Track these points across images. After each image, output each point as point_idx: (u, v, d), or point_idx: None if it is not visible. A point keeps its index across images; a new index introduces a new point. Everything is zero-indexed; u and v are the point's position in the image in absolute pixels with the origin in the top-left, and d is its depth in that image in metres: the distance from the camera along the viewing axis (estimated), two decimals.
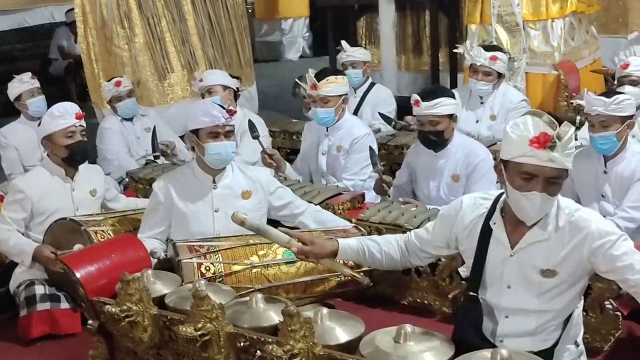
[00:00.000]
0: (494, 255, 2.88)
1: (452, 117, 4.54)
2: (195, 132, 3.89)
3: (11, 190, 4.60)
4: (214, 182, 3.97)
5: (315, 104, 5.16)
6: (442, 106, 4.46)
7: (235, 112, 4.00)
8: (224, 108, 3.94)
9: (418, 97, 4.51)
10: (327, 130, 5.25)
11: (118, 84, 6.35)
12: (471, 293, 2.92)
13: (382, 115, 6.34)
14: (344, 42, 6.81)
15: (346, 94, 5.23)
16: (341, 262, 3.29)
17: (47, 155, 4.66)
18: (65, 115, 4.53)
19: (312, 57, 13.78)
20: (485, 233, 2.89)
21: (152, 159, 5.97)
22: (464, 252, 3.05)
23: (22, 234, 4.50)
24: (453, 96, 4.58)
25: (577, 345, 2.99)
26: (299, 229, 4.13)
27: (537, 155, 2.61)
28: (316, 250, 3.15)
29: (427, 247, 3.16)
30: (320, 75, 5.15)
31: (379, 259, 3.19)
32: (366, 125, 5.47)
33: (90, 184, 4.71)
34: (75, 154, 4.57)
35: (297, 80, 6.53)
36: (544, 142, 2.59)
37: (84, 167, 4.72)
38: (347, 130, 5.19)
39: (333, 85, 5.08)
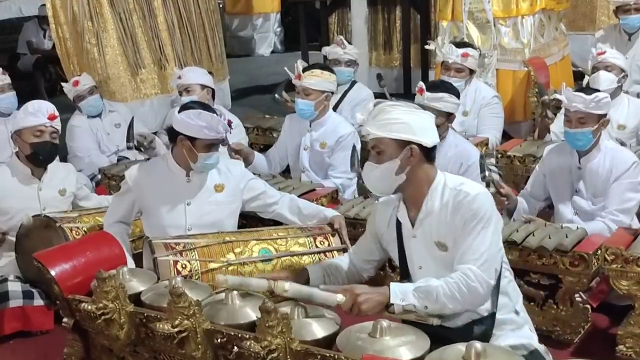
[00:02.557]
0: (406, 241, 3.05)
1: (450, 116, 4.57)
2: (192, 139, 3.84)
3: None
4: (187, 175, 3.96)
5: (298, 95, 5.19)
6: (444, 102, 4.50)
7: (232, 122, 3.98)
8: (219, 114, 3.90)
9: (423, 86, 4.54)
10: (310, 126, 5.26)
11: (76, 83, 6.33)
12: (403, 281, 3.05)
13: None
14: (341, 37, 6.78)
15: (330, 92, 5.24)
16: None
17: (16, 153, 4.63)
18: (37, 113, 4.51)
19: (284, 53, 13.81)
20: (398, 225, 3.06)
21: (126, 148, 5.91)
22: (386, 247, 3.20)
23: None
24: (458, 96, 4.61)
25: (517, 313, 3.03)
26: (276, 221, 4.16)
27: (362, 131, 2.96)
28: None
29: (368, 256, 3.29)
30: (308, 68, 5.20)
31: (344, 278, 3.28)
32: (350, 124, 5.49)
33: (59, 184, 4.69)
34: (38, 153, 4.53)
35: (276, 95, 6.56)
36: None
37: (54, 166, 4.70)
38: (331, 127, 5.21)
39: (316, 79, 5.11)
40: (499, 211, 4.29)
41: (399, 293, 2.75)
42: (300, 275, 3.24)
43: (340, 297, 2.85)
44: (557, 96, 4.47)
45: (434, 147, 2.96)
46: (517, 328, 2.99)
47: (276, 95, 6.58)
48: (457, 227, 2.87)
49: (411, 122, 2.89)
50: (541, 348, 2.96)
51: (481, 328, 2.89)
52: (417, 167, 2.92)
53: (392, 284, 2.79)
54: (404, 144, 2.89)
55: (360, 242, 3.33)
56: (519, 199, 4.47)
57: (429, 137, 2.92)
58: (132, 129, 5.76)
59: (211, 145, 3.86)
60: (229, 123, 3.92)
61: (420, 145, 2.90)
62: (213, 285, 3.29)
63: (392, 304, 2.74)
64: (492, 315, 2.92)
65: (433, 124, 2.97)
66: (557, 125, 5.39)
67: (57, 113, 4.58)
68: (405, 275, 3.09)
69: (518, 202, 4.44)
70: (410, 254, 3.05)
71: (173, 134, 3.88)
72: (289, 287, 2.92)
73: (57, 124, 4.58)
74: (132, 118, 5.99)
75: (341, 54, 6.52)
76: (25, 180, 4.57)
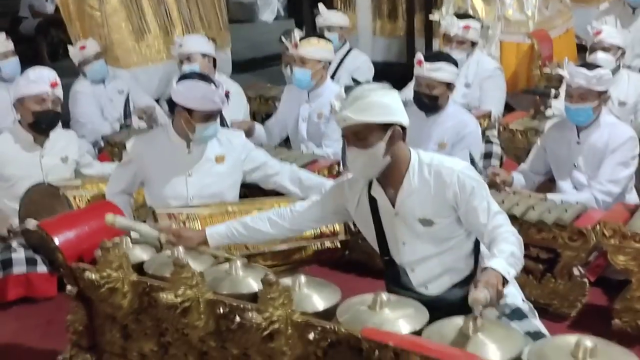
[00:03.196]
0: (385, 219, 3.07)
1: (449, 85, 4.59)
2: (189, 110, 3.86)
3: None
4: (188, 147, 3.99)
5: (294, 63, 5.18)
6: (442, 72, 4.51)
7: (229, 92, 3.98)
8: (216, 85, 3.90)
9: (422, 58, 4.55)
10: (307, 96, 5.26)
11: (83, 47, 6.33)
12: (385, 258, 3.13)
13: (355, 82, 6.34)
14: (321, 5, 6.78)
15: (328, 62, 5.23)
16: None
17: (18, 120, 4.64)
18: (39, 81, 4.51)
19: (287, 19, 13.68)
20: (372, 203, 3.08)
21: (125, 125, 5.93)
22: (358, 223, 3.24)
23: None
24: (456, 65, 4.63)
25: None
26: (278, 193, 4.21)
27: (337, 119, 2.93)
28: (184, 242, 3.25)
29: (316, 218, 3.30)
30: (305, 37, 5.19)
31: (248, 236, 3.34)
32: None
33: (61, 151, 4.70)
34: (41, 121, 4.55)
35: (283, 35, 6.53)
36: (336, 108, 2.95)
37: (56, 134, 4.71)
38: (328, 97, 5.19)
39: (313, 48, 5.11)
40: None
41: (505, 269, 2.70)
42: (199, 233, 3.33)
43: (159, 233, 3.28)
44: (560, 71, 4.47)
45: (406, 127, 2.99)
46: None
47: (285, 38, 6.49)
48: (450, 202, 2.93)
49: (391, 102, 2.90)
50: (524, 306, 3.01)
51: (462, 290, 2.93)
52: (397, 147, 2.95)
53: (491, 264, 2.70)
54: (387, 126, 2.89)
55: (317, 205, 3.27)
56: (515, 177, 4.50)
57: (404, 117, 2.95)
58: (128, 105, 5.75)
59: (208, 116, 3.87)
60: (226, 94, 3.91)
61: (401, 125, 2.92)
62: (214, 254, 3.34)
63: (507, 281, 2.70)
64: (472, 276, 2.99)
65: (401, 102, 2.99)
66: (559, 101, 5.39)
67: (58, 80, 4.58)
68: (384, 252, 3.13)
69: (514, 180, 4.47)
70: (392, 231, 3.07)
71: (172, 105, 3.91)
72: (116, 219, 3.29)
73: (59, 91, 4.58)
74: (128, 94, 5.95)
75: (321, 21, 6.55)
76: (27, 147, 4.59)
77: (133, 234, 3.43)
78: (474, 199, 2.90)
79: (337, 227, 3.77)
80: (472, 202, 2.90)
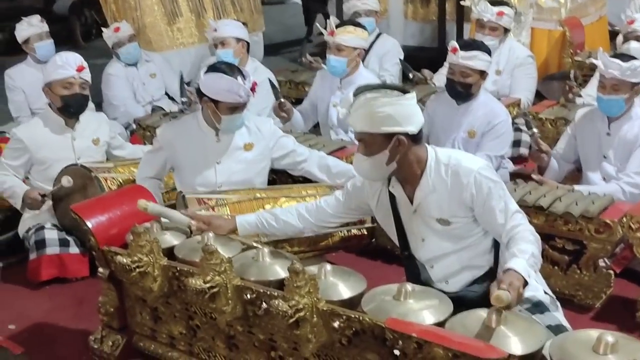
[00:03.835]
0: (404, 216, 3.11)
1: (483, 74, 4.58)
2: (215, 102, 3.89)
3: (12, 137, 4.68)
4: (217, 135, 4.03)
5: (330, 51, 5.19)
6: (477, 60, 4.50)
7: (256, 85, 3.98)
8: (244, 77, 3.91)
9: (456, 45, 4.54)
10: (340, 83, 5.27)
11: (117, 29, 6.40)
12: (404, 253, 3.16)
13: (402, 62, 6.31)
14: None
15: (362, 49, 5.23)
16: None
17: (48, 104, 4.70)
18: (65, 65, 4.54)
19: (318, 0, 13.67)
20: (391, 199, 3.11)
21: (180, 103, 5.90)
22: (379, 219, 3.29)
23: (22, 180, 4.62)
24: (490, 53, 4.61)
25: None
26: (306, 178, 4.25)
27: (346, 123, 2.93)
28: (214, 230, 3.35)
29: (340, 213, 3.37)
30: (341, 25, 5.20)
31: (278, 228, 3.41)
32: (378, 78, 5.46)
33: (92, 133, 4.75)
34: (69, 105, 4.59)
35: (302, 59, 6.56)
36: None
37: (87, 116, 4.75)
38: (360, 84, 5.20)
39: (350, 36, 5.12)
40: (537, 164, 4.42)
41: (526, 271, 2.70)
42: (229, 221, 3.42)
43: (189, 221, 3.37)
44: (593, 60, 4.44)
45: (421, 130, 2.98)
46: None
47: (303, 59, 6.58)
48: (467, 203, 2.95)
49: (394, 112, 2.88)
50: (546, 299, 3.03)
51: (483, 286, 2.98)
52: (407, 153, 2.95)
53: (513, 265, 2.70)
54: (390, 135, 2.90)
55: (340, 200, 3.35)
56: (552, 159, 4.50)
57: (413, 124, 2.92)
58: (183, 83, 5.74)
59: (234, 108, 3.91)
60: (253, 86, 3.92)
61: (406, 134, 2.92)
62: (242, 241, 3.40)
63: (527, 282, 2.70)
64: (492, 272, 3.03)
65: (416, 106, 2.97)
66: (590, 88, 5.36)
67: (85, 64, 4.61)
68: (405, 247, 3.16)
69: (551, 163, 4.47)
70: (411, 228, 3.11)
71: (200, 94, 3.95)
72: (148, 205, 3.37)
73: (85, 74, 4.61)
74: (181, 73, 5.98)
75: (359, 5, 6.51)
76: (59, 130, 4.64)
77: (163, 220, 3.50)
78: (491, 199, 2.91)
79: None
80: (489, 203, 2.91)
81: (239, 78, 3.85)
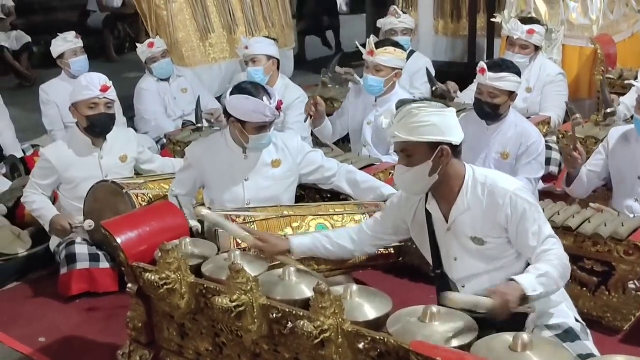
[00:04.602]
0: (439, 234, 3.11)
1: (511, 94, 4.56)
2: (241, 122, 3.92)
3: (40, 157, 4.73)
4: (244, 152, 4.06)
5: (368, 70, 5.19)
6: (506, 81, 4.48)
7: (282, 103, 4.01)
8: (270, 96, 3.93)
9: (485, 66, 4.53)
10: (375, 101, 5.26)
11: (151, 45, 6.46)
12: (437, 271, 3.16)
13: (428, 73, 6.31)
14: (395, 7, 6.73)
15: (400, 69, 5.23)
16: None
17: (76, 123, 4.73)
18: (90, 86, 4.56)
19: (349, 15, 13.73)
20: (428, 217, 3.12)
21: (195, 122, 5.95)
22: (414, 236, 3.29)
23: (50, 198, 4.69)
24: (519, 74, 4.59)
25: None
26: (336, 192, 4.28)
27: (387, 134, 3.01)
28: (268, 248, 3.38)
29: (379, 235, 3.39)
30: (380, 44, 5.20)
31: (333, 252, 3.44)
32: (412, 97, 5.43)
33: (120, 150, 4.76)
34: (95, 126, 4.60)
35: (327, 74, 6.54)
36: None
37: (115, 133, 4.75)
38: None
39: (389, 56, 5.10)
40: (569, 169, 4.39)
41: (529, 285, 2.74)
42: (284, 242, 3.42)
43: (247, 235, 3.35)
44: (633, 82, 4.40)
45: (461, 143, 3.00)
46: (553, 306, 3.05)
47: (325, 76, 6.53)
48: (502, 224, 2.95)
49: (439, 122, 2.91)
50: (577, 327, 3.01)
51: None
52: (448, 166, 2.97)
53: (518, 279, 2.76)
54: (434, 145, 2.92)
55: (378, 221, 3.39)
56: (582, 172, 4.46)
57: (456, 135, 2.96)
58: (200, 108, 5.80)
59: (261, 128, 3.93)
60: (279, 105, 3.94)
61: (450, 144, 2.94)
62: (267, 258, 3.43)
63: (528, 297, 2.74)
64: (524, 296, 2.96)
65: (457, 120, 3.00)
66: (629, 99, 5.30)
67: (109, 84, 4.62)
68: (437, 265, 3.16)
69: (581, 173, 4.44)
70: (444, 246, 3.12)
71: (227, 114, 3.98)
72: (206, 213, 3.42)
73: (110, 94, 4.61)
74: (199, 97, 6.03)
75: (396, 23, 6.49)
76: (86, 149, 4.66)
77: (194, 226, 3.54)
78: (525, 221, 2.91)
79: None
80: (523, 225, 2.91)
81: (265, 98, 3.88)
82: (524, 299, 2.73)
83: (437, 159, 2.94)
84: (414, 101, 3.00)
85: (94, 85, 4.56)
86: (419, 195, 3.13)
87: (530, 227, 2.91)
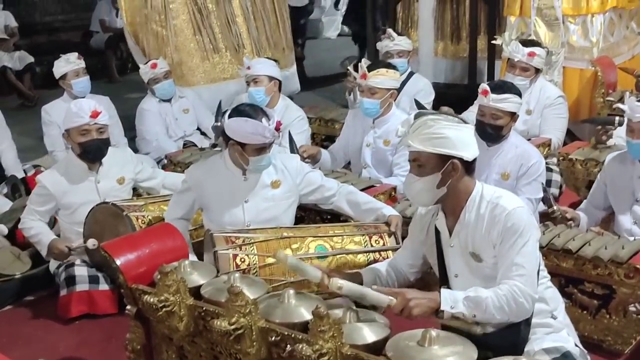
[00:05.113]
0: (445, 249, 3.13)
1: (513, 115, 4.58)
2: (241, 144, 3.92)
3: (38, 183, 4.70)
4: (244, 174, 4.06)
5: (363, 93, 5.22)
6: (508, 102, 4.50)
7: (281, 124, 4.01)
8: (268, 118, 3.92)
9: (487, 88, 4.56)
10: (373, 123, 5.28)
11: (154, 66, 6.49)
12: (444, 287, 3.12)
13: (417, 103, 6.35)
14: (390, 30, 6.78)
15: (395, 89, 5.26)
16: None
17: (71, 148, 4.72)
18: (80, 112, 4.53)
19: (350, 36, 13.78)
20: (437, 232, 3.14)
21: (211, 127, 5.88)
22: (427, 254, 3.29)
23: (47, 223, 4.68)
24: (520, 95, 4.62)
25: (554, 318, 3.10)
26: (336, 214, 4.29)
27: (402, 142, 3.05)
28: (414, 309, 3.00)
29: (413, 260, 3.39)
30: (372, 67, 5.22)
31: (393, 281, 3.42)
32: None
33: (117, 173, 4.74)
34: (87, 152, 4.59)
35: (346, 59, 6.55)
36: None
37: (110, 156, 4.72)
38: (395, 124, 5.13)
39: (382, 78, 5.14)
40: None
41: (450, 300, 2.83)
42: (355, 276, 3.34)
43: (391, 300, 2.91)
44: (620, 106, 4.43)
45: (474, 160, 3.02)
46: (554, 332, 3.06)
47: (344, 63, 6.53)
48: (494, 241, 2.94)
49: (452, 136, 2.94)
50: (576, 351, 3.00)
51: (511, 331, 2.93)
52: (457, 181, 3.00)
53: (443, 290, 2.88)
54: (446, 158, 2.95)
55: (406, 245, 3.44)
56: (581, 215, 4.45)
57: (469, 151, 2.98)
58: (220, 107, 5.78)
59: (261, 149, 3.93)
60: (278, 126, 3.94)
61: (461, 160, 2.96)
62: (269, 279, 3.44)
63: (442, 310, 2.82)
64: (527, 321, 2.97)
65: (473, 137, 3.03)
66: (623, 130, 5.31)
67: (100, 108, 4.58)
68: (444, 282, 3.16)
69: (581, 219, 4.43)
70: (447, 261, 3.13)
71: (225, 137, 3.99)
72: (343, 284, 2.99)
73: (102, 119, 4.56)
74: (220, 101, 6.05)
75: (391, 46, 6.52)
76: (82, 174, 4.63)
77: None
78: (509, 239, 2.89)
79: (389, 254, 3.79)
80: (505, 242, 2.89)
81: (264, 120, 3.88)
82: (438, 311, 2.80)
83: (447, 172, 2.96)
84: (433, 113, 3.05)
85: (84, 111, 4.52)
86: (426, 207, 3.17)
87: (510, 248, 2.89)
